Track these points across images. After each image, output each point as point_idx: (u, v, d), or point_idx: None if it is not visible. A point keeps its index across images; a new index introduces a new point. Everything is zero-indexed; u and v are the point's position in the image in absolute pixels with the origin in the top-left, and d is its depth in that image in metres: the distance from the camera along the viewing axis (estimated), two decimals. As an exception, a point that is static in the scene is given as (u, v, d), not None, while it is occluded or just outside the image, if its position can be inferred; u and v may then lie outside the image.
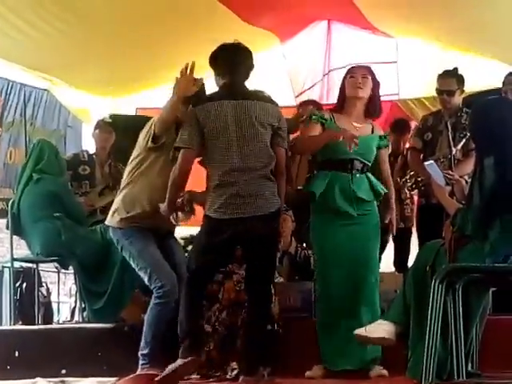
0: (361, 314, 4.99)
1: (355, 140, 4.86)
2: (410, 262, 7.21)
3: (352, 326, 4.71)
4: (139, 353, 5.16)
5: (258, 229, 4.75)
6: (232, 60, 4.95)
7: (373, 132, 5.23)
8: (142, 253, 5.19)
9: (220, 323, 5.27)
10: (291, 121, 5.67)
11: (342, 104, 5.23)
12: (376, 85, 5.22)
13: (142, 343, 5.15)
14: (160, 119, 5.15)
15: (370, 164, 5.18)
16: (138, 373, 5.09)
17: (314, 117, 5.23)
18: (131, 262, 5.29)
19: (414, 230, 7.29)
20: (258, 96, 4.95)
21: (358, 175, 5.10)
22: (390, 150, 5.98)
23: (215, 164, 4.83)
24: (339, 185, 5.10)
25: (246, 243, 4.86)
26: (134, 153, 5.39)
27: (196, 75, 4.91)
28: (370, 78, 5.19)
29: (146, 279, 5.19)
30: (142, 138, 5.32)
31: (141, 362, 5.14)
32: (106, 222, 5.43)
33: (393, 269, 7.33)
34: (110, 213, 5.39)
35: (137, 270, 5.25)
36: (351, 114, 5.20)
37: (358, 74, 5.17)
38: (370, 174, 5.17)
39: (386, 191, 5.18)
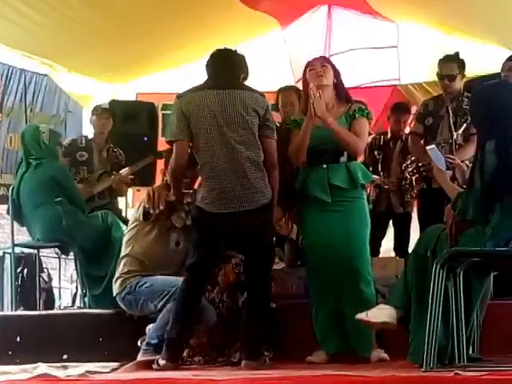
0: (343, 299, 4.99)
1: (318, 94, 4.88)
2: (411, 247, 7.26)
3: (336, 312, 4.83)
4: (145, 341, 5.16)
5: (251, 223, 4.76)
6: (217, 61, 4.99)
7: (346, 113, 5.13)
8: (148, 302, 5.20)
9: (222, 305, 5.28)
10: None
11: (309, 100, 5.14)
12: (337, 72, 5.18)
13: (152, 333, 5.14)
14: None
15: None
16: (138, 359, 5.10)
17: (287, 126, 5.31)
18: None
19: (414, 215, 7.30)
20: (244, 86, 4.92)
21: (334, 164, 5.05)
22: (373, 121, 5.78)
23: (204, 154, 4.82)
24: (315, 175, 5.08)
25: (240, 238, 4.89)
26: (130, 223, 5.50)
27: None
28: (329, 66, 5.16)
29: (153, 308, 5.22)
30: (135, 211, 5.44)
31: (144, 347, 5.14)
32: (114, 293, 5.41)
33: (393, 254, 7.34)
34: (114, 281, 5.40)
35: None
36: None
37: (317, 65, 5.15)
38: (351, 163, 5.07)
39: (363, 182, 5.10)
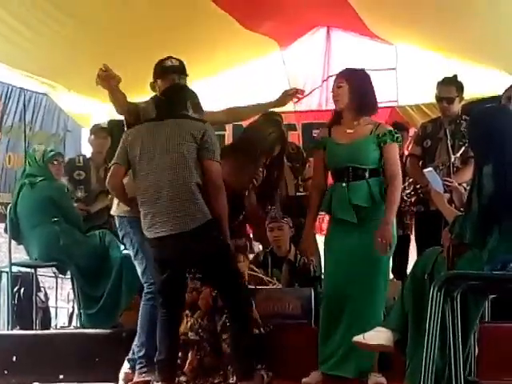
0: (357, 321, 4.94)
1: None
2: (409, 270, 7.26)
3: (347, 335, 4.75)
4: (134, 355, 5.19)
5: (184, 246, 4.79)
6: (162, 96, 5.15)
7: (372, 133, 5.08)
8: (142, 246, 5.19)
9: (203, 330, 5.27)
10: None
11: (338, 114, 5.18)
12: (357, 88, 5.07)
13: (137, 345, 5.16)
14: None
15: (372, 167, 5.05)
16: (135, 380, 5.08)
17: (311, 146, 5.38)
18: (130, 250, 5.31)
19: (412, 237, 7.30)
20: (182, 116, 4.97)
21: (354, 182, 5.03)
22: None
23: (137, 181, 4.91)
24: (336, 194, 5.07)
25: (184, 260, 4.91)
26: None
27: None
28: (344, 83, 5.08)
29: (139, 271, 5.24)
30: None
31: (138, 365, 5.13)
32: (112, 212, 5.41)
33: (391, 276, 7.33)
34: (115, 202, 5.37)
35: (133, 258, 5.28)
36: (346, 122, 5.13)
37: (334, 86, 5.15)
38: (373, 180, 5.03)
39: (381, 199, 5.01)
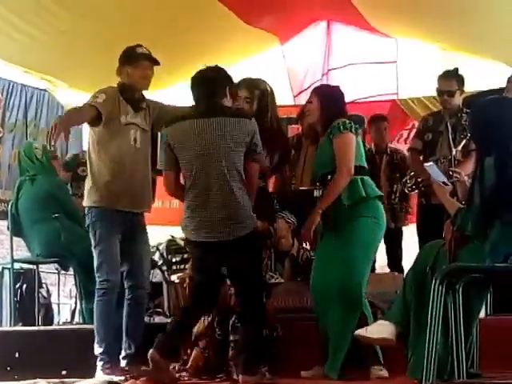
0: (329, 318, 4.97)
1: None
2: (404, 262, 7.27)
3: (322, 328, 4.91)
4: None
5: (231, 254, 4.78)
6: (197, 86, 4.95)
7: (327, 135, 5.09)
8: (101, 242, 5.22)
9: (219, 326, 5.26)
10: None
11: (312, 132, 5.33)
12: (324, 102, 5.12)
13: (96, 342, 5.19)
14: None
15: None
16: (96, 377, 5.11)
17: None
18: (92, 241, 5.30)
19: (405, 229, 7.32)
20: (229, 112, 4.88)
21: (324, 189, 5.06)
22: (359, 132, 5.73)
23: (187, 182, 4.85)
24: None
25: (225, 265, 4.92)
26: (91, 131, 5.44)
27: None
28: (315, 99, 5.16)
29: (95, 264, 5.25)
30: None
31: (99, 362, 5.17)
32: (83, 203, 5.40)
33: (388, 270, 7.34)
34: (85, 194, 5.38)
35: (93, 248, 5.28)
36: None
37: (307, 103, 5.26)
38: (354, 178, 4.99)
39: (347, 202, 4.98)
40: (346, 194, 4.97)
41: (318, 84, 9.62)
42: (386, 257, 7.61)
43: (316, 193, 5.13)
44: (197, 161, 4.76)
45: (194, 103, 4.98)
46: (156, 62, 5.40)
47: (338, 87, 5.38)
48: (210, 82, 4.90)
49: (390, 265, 7.61)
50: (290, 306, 5.67)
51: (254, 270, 4.89)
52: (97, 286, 5.23)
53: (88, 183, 5.33)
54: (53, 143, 5.00)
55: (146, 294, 5.50)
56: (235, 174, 4.76)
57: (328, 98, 5.20)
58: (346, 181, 4.96)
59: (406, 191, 6.46)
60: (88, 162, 5.34)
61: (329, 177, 5.03)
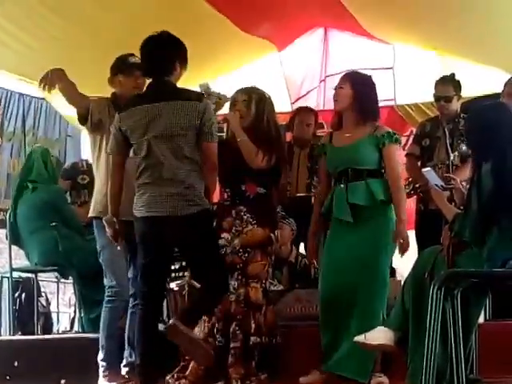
0: (351, 323, 4.96)
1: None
2: (404, 269, 7.25)
3: (347, 334, 4.80)
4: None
5: (178, 230, 4.69)
6: (146, 57, 4.87)
7: (371, 134, 5.09)
8: (105, 249, 5.26)
9: (220, 335, 5.25)
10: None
11: (338, 118, 5.21)
12: (359, 89, 5.09)
13: (100, 348, 5.23)
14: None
15: (372, 168, 5.06)
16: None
17: (315, 153, 5.43)
18: (98, 250, 5.36)
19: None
20: (178, 94, 4.78)
21: (353, 183, 5.04)
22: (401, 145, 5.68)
23: (141, 168, 4.79)
24: (337, 195, 5.09)
25: (173, 243, 4.85)
26: (89, 143, 5.49)
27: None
28: (346, 86, 5.10)
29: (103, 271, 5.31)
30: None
31: (100, 368, 5.18)
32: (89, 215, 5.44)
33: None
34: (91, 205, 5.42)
35: (99, 257, 5.34)
36: (345, 126, 5.16)
37: (337, 86, 5.15)
38: (371, 180, 5.04)
39: (383, 198, 5.02)
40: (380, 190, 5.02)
41: (315, 89, 9.70)
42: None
43: (338, 180, 5.10)
44: (147, 144, 4.71)
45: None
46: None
47: (370, 76, 5.31)
48: (157, 58, 4.82)
49: None
50: (299, 314, 5.68)
51: (205, 247, 4.76)
52: (105, 294, 5.28)
53: (94, 194, 5.42)
54: (41, 87, 5.13)
55: None
56: (183, 156, 4.69)
57: (362, 85, 5.15)
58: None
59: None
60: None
61: (358, 173, 5.02)
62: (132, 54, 5.35)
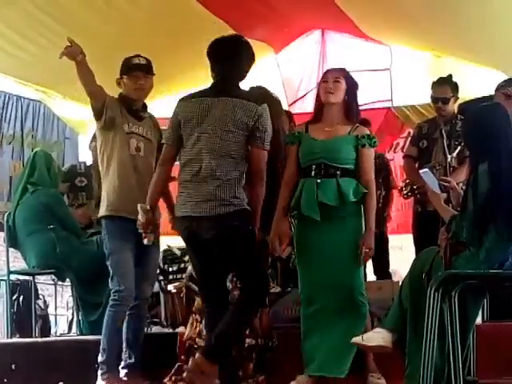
0: (336, 319, 4.91)
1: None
2: (402, 270, 7.25)
3: (328, 335, 4.80)
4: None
5: (213, 229, 4.64)
6: (218, 56, 4.85)
7: (350, 132, 5.00)
8: (114, 254, 5.25)
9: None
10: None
11: (319, 111, 5.09)
12: (352, 87, 5.04)
13: (100, 350, 5.20)
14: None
15: (345, 167, 4.95)
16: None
17: (286, 140, 5.18)
18: (105, 251, 5.34)
19: (404, 237, 7.30)
20: (237, 93, 4.77)
21: (325, 179, 4.93)
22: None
23: (184, 161, 4.77)
24: (306, 191, 4.96)
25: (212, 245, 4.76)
26: (98, 142, 5.46)
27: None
28: (343, 81, 5.01)
29: (110, 276, 5.27)
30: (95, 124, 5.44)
31: (99, 371, 5.16)
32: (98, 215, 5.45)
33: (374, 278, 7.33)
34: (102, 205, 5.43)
35: (106, 261, 5.31)
36: (326, 120, 5.04)
37: (331, 79, 5.01)
38: (343, 179, 4.92)
39: (353, 199, 4.92)
40: (351, 190, 4.92)
41: (312, 92, 9.69)
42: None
43: (312, 173, 4.96)
44: (195, 138, 4.69)
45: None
46: (150, 72, 5.43)
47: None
48: (229, 61, 4.80)
49: (375, 271, 7.59)
50: (297, 316, 5.66)
51: (242, 250, 4.69)
52: (111, 297, 5.24)
53: (102, 194, 5.43)
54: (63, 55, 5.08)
55: (145, 305, 5.51)
56: (228, 154, 4.65)
57: (353, 83, 5.08)
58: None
59: (403, 198, 6.46)
60: (95, 173, 5.35)
61: (331, 170, 4.92)
62: (137, 55, 5.39)
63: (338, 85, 5.00)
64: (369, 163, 5.01)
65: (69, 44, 5.12)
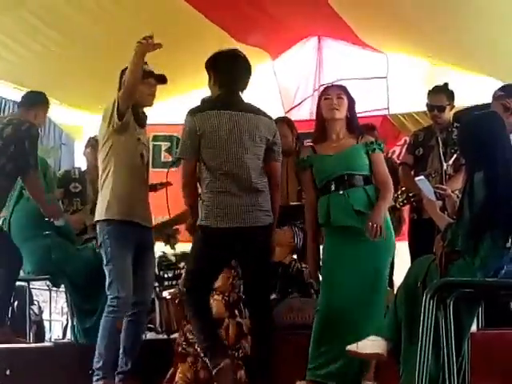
0: (358, 332, 4.90)
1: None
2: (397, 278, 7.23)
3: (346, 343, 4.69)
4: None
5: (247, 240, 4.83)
6: (231, 70, 4.97)
7: (358, 141, 5.08)
8: (115, 259, 5.22)
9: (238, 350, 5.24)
10: None
11: (322, 129, 5.15)
12: (352, 103, 5.13)
13: (95, 357, 5.17)
14: (125, 88, 5.17)
15: (365, 174, 5.03)
16: None
17: (298, 167, 5.35)
18: (103, 256, 5.29)
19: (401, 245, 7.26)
20: (255, 109, 4.96)
21: (351, 189, 4.99)
22: None
23: (210, 175, 4.84)
24: (335, 203, 5.00)
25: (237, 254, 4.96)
26: (101, 141, 5.44)
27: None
28: (345, 97, 5.09)
29: (107, 281, 5.24)
30: (105, 122, 5.34)
31: (94, 377, 5.14)
32: (95, 219, 5.40)
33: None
34: (97, 208, 5.40)
35: (104, 266, 5.27)
36: (331, 136, 5.11)
37: (333, 95, 5.08)
38: (369, 187, 5.01)
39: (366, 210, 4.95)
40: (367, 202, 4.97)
41: (309, 97, 9.71)
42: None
43: (333, 187, 5.03)
44: (226, 150, 4.81)
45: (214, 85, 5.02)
46: (163, 81, 5.43)
47: None
48: (246, 73, 5.04)
49: None
50: (292, 324, 5.69)
51: (268, 260, 4.98)
52: (107, 303, 5.21)
53: (103, 197, 5.35)
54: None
55: (146, 312, 5.51)
56: (259, 166, 4.88)
57: (352, 99, 5.17)
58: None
59: (397, 206, 6.45)
60: (90, 178, 5.33)
61: (355, 179, 5.00)
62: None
63: (342, 101, 5.09)
64: (382, 166, 5.10)
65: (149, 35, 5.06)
